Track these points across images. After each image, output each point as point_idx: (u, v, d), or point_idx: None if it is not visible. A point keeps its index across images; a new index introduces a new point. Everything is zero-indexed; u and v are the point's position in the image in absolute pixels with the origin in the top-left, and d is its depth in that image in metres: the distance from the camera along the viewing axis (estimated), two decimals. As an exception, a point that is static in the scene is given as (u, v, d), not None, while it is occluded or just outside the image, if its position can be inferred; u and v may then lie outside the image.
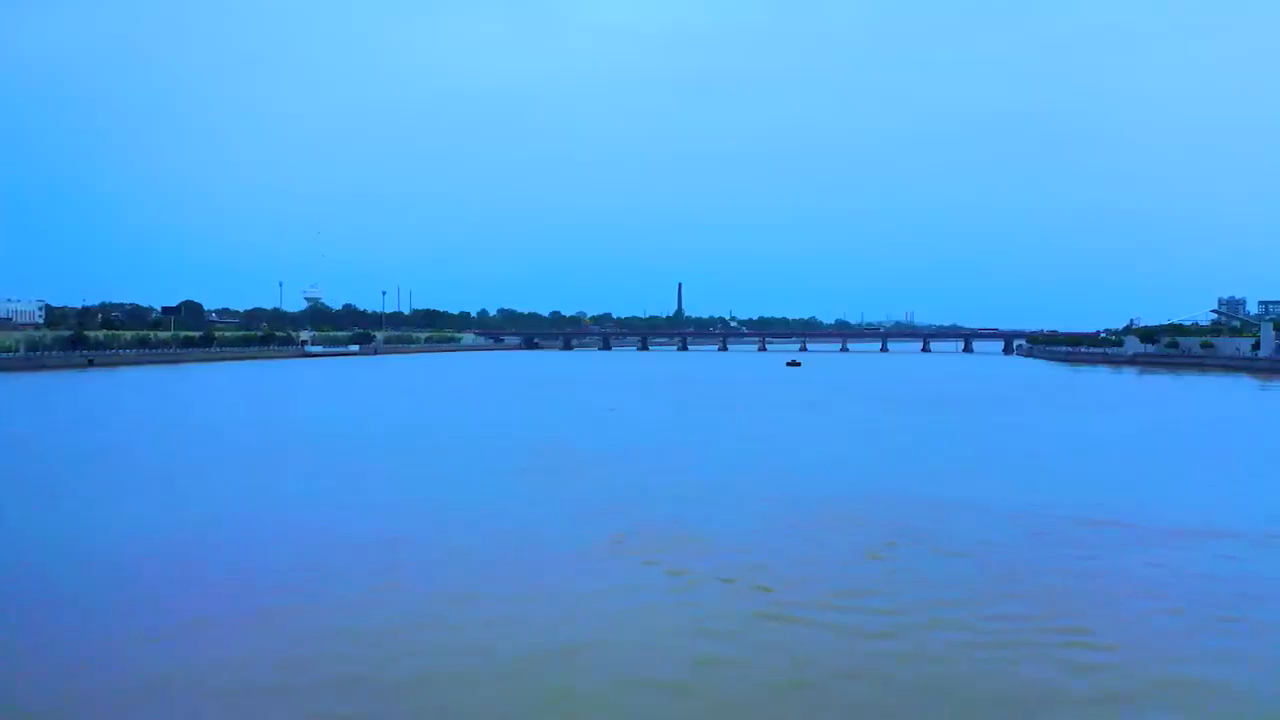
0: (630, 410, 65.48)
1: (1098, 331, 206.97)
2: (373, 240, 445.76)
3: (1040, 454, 42.67)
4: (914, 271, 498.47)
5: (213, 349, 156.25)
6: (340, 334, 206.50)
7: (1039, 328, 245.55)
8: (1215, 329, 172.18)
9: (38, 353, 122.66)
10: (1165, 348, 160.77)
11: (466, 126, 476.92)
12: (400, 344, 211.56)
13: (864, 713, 14.20)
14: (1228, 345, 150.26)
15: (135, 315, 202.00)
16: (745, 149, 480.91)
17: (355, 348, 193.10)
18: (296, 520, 27.19)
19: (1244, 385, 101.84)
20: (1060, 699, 14.58)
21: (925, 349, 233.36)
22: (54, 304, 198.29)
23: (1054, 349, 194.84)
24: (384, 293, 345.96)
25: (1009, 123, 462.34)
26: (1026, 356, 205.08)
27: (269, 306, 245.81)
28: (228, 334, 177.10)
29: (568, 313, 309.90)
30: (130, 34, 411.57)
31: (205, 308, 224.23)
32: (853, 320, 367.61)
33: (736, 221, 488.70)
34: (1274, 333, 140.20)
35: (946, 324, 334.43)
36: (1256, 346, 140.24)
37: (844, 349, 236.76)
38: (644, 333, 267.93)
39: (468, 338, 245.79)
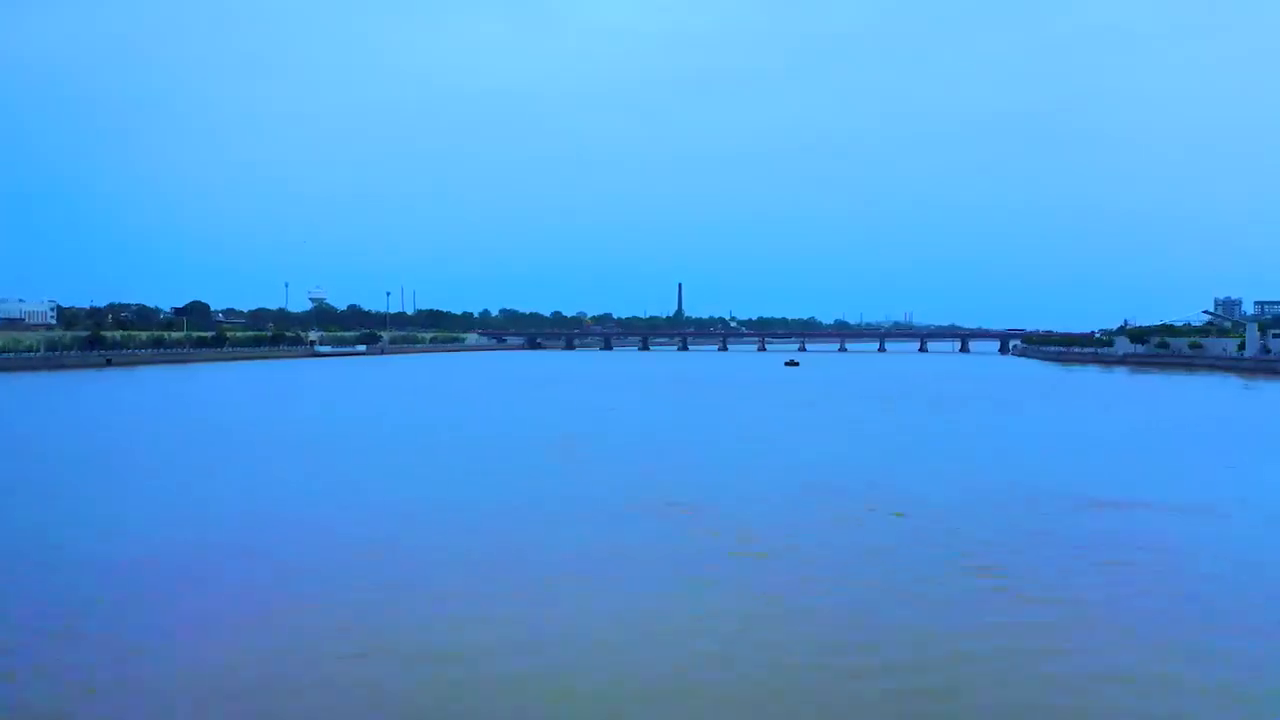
0: (631, 410, 67.54)
1: (1092, 332, 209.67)
2: (373, 240, 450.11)
3: (1009, 451, 45.33)
4: (913, 271, 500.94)
5: (224, 349, 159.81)
6: (347, 334, 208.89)
7: (1036, 328, 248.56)
8: (1206, 330, 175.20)
9: (57, 352, 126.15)
10: (1155, 348, 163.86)
11: (466, 126, 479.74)
12: (406, 344, 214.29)
13: (864, 713, 14.39)
14: (1215, 345, 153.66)
15: (142, 315, 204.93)
16: (745, 149, 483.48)
17: (362, 348, 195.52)
18: (323, 520, 27.87)
19: (1228, 385, 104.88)
20: (1060, 699, 14.85)
21: (923, 349, 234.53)
22: (63, 305, 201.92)
23: (1046, 349, 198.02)
24: (389, 293, 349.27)
25: (1008, 123, 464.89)
26: (1021, 356, 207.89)
27: (273, 306, 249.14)
28: (238, 334, 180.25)
29: (569, 313, 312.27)
30: (130, 34, 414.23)
31: (211, 308, 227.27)
32: (852, 320, 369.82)
33: (736, 221, 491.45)
34: (1259, 333, 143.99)
35: (945, 324, 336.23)
36: (1242, 347, 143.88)
37: (842, 349, 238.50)
38: (644, 333, 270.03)
39: (472, 338, 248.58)
